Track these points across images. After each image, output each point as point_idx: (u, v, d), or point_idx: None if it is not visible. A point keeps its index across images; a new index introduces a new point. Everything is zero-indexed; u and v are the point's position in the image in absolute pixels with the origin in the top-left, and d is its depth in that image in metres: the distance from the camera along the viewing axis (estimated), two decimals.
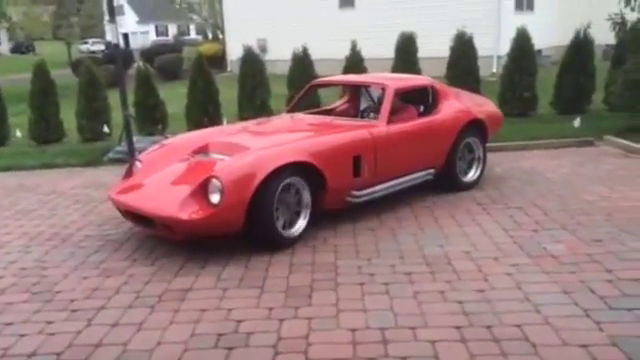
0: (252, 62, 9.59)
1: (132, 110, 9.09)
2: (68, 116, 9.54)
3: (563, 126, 8.18)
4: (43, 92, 9.37)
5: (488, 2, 15.79)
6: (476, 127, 5.63)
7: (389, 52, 9.80)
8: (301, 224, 4.37)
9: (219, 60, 21.87)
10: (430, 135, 5.26)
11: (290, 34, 17.02)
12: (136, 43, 47.75)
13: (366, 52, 9.71)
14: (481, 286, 3.46)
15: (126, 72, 22.86)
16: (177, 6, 50.27)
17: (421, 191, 5.47)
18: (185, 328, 3.12)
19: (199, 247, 4.29)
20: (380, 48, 11.75)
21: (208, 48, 22.87)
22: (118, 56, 7.38)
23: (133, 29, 54.60)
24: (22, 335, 3.12)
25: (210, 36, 47.43)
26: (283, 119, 5.73)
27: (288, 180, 4.21)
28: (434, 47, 11.87)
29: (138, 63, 13.96)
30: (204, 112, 9.23)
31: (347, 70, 9.30)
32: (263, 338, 2.97)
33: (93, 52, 46.91)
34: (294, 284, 3.61)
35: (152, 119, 9.30)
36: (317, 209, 4.46)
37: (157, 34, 58.17)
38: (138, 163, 4.84)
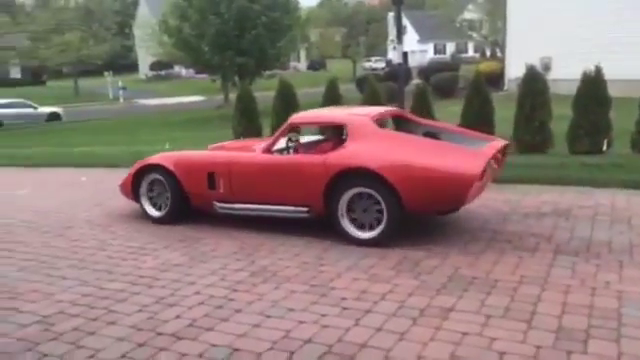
0: (534, 81, 9.08)
1: None
2: None
3: None
4: (332, 103, 10.40)
5: None
6: (371, 178, 4.80)
7: None
8: (163, 210, 6.00)
9: (496, 78, 21.40)
10: (294, 173, 5.20)
11: (579, 52, 15.72)
12: (414, 61, 49.72)
13: None
14: None
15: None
16: (457, 25, 50.91)
17: None
18: (445, 347, 3.10)
19: (462, 268, 4.24)
20: None
21: (487, 66, 22.60)
22: (401, 74, 7.78)
23: (413, 48, 57.08)
24: (300, 322, 3.49)
25: (488, 54, 46.67)
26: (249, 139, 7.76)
27: (154, 176, 5.98)
28: None
29: (416, 81, 14.50)
30: None
31: None
32: None
33: (374, 69, 50.51)
34: (567, 326, 3.29)
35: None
36: (182, 205, 5.89)
37: (435, 52, 59.81)
38: None
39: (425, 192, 4.72)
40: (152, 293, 4.06)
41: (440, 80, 22.22)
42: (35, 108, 27.70)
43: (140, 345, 3.28)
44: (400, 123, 6.09)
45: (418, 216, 5.40)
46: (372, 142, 5.01)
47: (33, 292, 4.17)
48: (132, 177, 6.13)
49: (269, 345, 3.21)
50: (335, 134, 6.04)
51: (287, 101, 10.79)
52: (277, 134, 5.58)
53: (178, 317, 3.64)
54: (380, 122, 5.47)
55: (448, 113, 11.32)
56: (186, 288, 4.13)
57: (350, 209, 5.01)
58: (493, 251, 4.63)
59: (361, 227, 4.99)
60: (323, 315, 3.57)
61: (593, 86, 8.63)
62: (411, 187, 4.70)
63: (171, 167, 5.85)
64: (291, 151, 5.72)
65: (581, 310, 3.50)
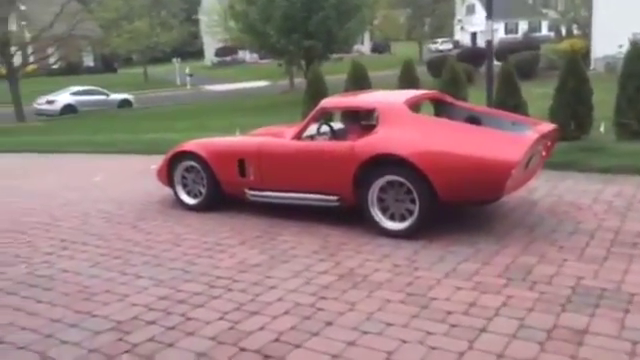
0: (638, 60, 8.13)
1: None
2: None
3: None
4: (409, 86, 9.79)
5: None
6: (402, 166, 4.50)
7: None
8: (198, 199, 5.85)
9: (581, 58, 19.99)
10: (323, 160, 4.94)
11: None
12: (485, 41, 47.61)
13: None
14: None
15: (477, 70, 22.93)
16: (530, 1, 48.39)
17: None
18: None
19: (585, 278, 3.62)
20: None
21: (569, 44, 21.08)
22: (490, 54, 7.12)
23: (483, 27, 54.82)
24: (403, 341, 3.00)
25: (564, 32, 44.18)
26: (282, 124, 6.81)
27: (189, 163, 5.79)
28: None
29: (495, 62, 13.58)
30: (572, 115, 8.25)
31: None
32: None
33: (441, 51, 48.90)
34: None
35: None
36: (217, 192, 5.70)
37: (506, 32, 57.10)
38: None
39: (460, 181, 4.38)
40: (231, 297, 3.69)
41: (520, 60, 20.75)
42: (107, 95, 28.40)
43: None
44: (440, 107, 5.68)
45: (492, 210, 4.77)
46: (404, 128, 4.73)
47: (106, 292, 3.90)
48: (167, 163, 5.99)
49: None
50: (366, 119, 5.78)
51: (360, 84, 10.23)
52: (307, 119, 5.31)
53: (262, 329, 3.24)
54: (414, 106, 5.16)
55: (531, 95, 10.43)
56: (268, 293, 3.73)
57: (381, 198, 4.70)
58: (619, 257, 3.97)
59: (392, 217, 4.68)
60: (429, 333, 3.07)
61: None
62: (444, 175, 4.39)
63: (204, 154, 5.66)
64: (322, 137, 5.48)
65: None
